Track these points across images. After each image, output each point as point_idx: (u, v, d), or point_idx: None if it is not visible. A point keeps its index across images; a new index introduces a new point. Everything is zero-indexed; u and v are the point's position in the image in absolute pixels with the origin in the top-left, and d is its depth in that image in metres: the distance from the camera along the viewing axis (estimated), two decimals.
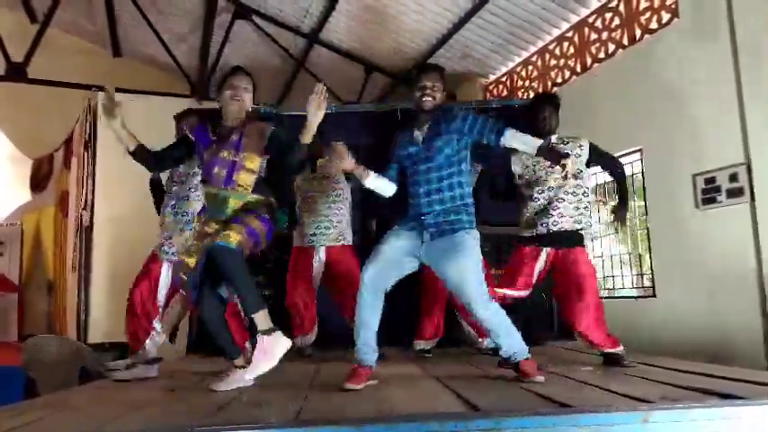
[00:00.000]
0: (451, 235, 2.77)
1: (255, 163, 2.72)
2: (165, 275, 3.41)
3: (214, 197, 2.70)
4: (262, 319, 2.50)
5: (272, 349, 2.41)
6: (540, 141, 2.79)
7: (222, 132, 2.76)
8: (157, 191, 3.69)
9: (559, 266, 3.41)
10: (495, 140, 2.80)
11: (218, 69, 7.68)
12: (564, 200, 3.43)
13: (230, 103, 2.73)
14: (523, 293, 3.49)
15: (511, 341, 2.78)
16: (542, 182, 3.46)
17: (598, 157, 3.51)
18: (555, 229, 3.38)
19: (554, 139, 3.52)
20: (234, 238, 2.49)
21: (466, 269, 2.71)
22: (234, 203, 2.68)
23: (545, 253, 3.43)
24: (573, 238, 3.39)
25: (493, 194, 3.69)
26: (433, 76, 2.92)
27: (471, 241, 2.78)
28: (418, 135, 2.91)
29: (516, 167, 3.55)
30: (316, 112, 2.59)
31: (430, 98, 2.88)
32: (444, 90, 2.96)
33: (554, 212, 3.41)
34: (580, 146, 3.48)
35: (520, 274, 3.46)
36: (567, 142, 3.49)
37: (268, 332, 2.49)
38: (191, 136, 2.79)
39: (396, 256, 2.80)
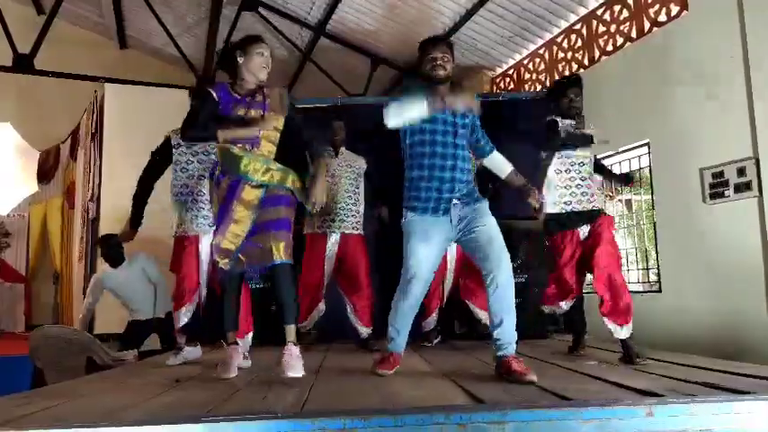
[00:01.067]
0: (473, 204, 2.79)
1: (280, 122, 2.80)
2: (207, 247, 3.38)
3: (239, 159, 2.71)
4: (294, 330, 2.70)
5: (301, 357, 2.62)
6: (511, 167, 2.91)
7: (243, 93, 2.80)
8: (160, 164, 3.65)
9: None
10: (486, 152, 2.95)
11: None
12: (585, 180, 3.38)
13: (260, 71, 2.79)
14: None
15: (511, 324, 2.64)
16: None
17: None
18: (589, 208, 3.34)
19: (583, 123, 3.49)
20: (287, 250, 2.68)
21: (495, 229, 2.74)
22: (259, 171, 2.71)
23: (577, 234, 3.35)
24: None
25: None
26: (442, 48, 2.82)
27: (488, 208, 2.85)
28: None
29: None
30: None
31: (442, 68, 2.78)
32: (454, 63, 2.88)
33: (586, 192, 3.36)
34: (591, 126, 3.50)
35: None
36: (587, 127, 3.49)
37: (295, 343, 2.67)
38: (214, 93, 2.78)
39: (433, 264, 2.83)
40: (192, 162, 3.54)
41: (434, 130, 2.80)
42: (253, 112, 2.76)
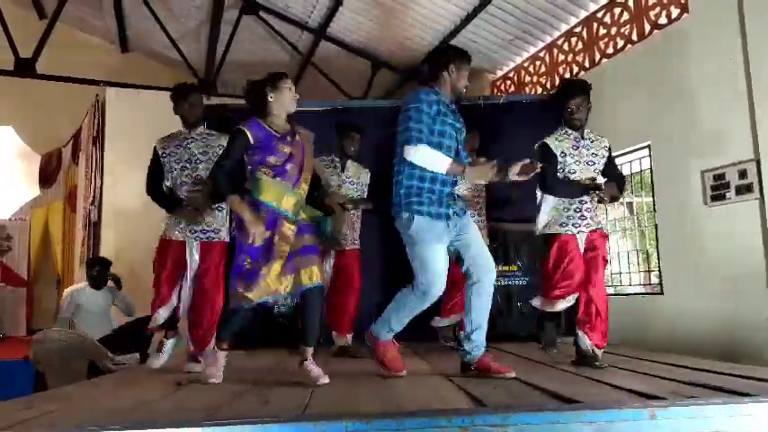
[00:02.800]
0: (464, 214, 2.95)
1: (311, 167, 2.95)
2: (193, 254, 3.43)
3: (281, 195, 2.78)
4: (311, 351, 2.84)
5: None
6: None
7: (281, 132, 2.86)
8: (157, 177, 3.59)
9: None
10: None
11: (225, 65, 7.69)
12: (586, 202, 3.32)
13: (291, 106, 2.89)
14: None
15: (485, 327, 2.89)
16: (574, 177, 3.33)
17: (612, 165, 3.47)
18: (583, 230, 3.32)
19: (585, 134, 3.37)
20: (320, 273, 2.85)
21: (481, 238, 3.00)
22: (295, 208, 2.81)
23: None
24: None
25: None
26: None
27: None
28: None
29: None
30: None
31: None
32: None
33: (578, 214, 3.30)
34: (604, 147, 3.43)
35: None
36: (594, 140, 3.41)
37: (312, 359, 2.83)
38: (249, 133, 2.77)
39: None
40: (176, 169, 3.50)
41: (454, 134, 2.88)
42: (297, 154, 2.83)
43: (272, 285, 2.73)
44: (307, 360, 2.80)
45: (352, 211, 4.13)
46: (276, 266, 2.73)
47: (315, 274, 2.78)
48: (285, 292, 2.78)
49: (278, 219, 2.77)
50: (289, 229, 2.78)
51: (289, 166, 2.80)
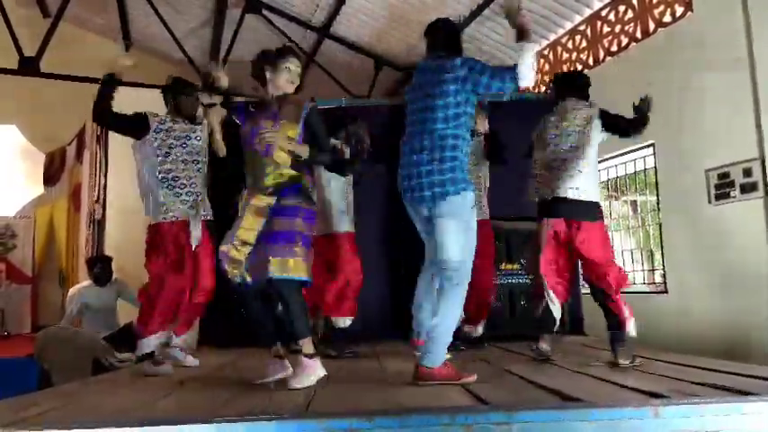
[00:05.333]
0: None
1: (294, 131, 2.75)
2: None
3: (254, 163, 2.75)
4: (308, 344, 2.61)
5: (314, 371, 2.56)
6: None
7: (259, 107, 2.87)
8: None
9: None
10: None
11: (228, 63, 7.68)
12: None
13: (287, 86, 2.85)
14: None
15: None
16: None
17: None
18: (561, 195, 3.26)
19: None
20: (295, 268, 2.57)
21: None
22: (270, 171, 2.69)
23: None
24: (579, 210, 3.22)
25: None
26: None
27: None
28: None
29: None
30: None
31: None
32: None
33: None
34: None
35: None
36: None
37: (311, 356, 2.60)
38: (237, 120, 2.90)
39: None
40: (176, 147, 3.41)
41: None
42: (264, 122, 2.74)
43: (234, 254, 2.62)
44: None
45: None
46: (241, 233, 2.63)
47: (292, 267, 2.57)
48: (257, 277, 2.62)
49: (252, 192, 2.71)
50: (262, 200, 2.65)
51: (256, 138, 2.71)
